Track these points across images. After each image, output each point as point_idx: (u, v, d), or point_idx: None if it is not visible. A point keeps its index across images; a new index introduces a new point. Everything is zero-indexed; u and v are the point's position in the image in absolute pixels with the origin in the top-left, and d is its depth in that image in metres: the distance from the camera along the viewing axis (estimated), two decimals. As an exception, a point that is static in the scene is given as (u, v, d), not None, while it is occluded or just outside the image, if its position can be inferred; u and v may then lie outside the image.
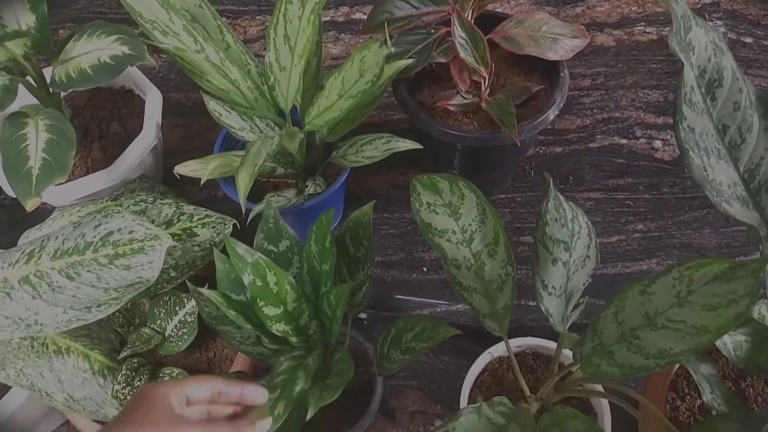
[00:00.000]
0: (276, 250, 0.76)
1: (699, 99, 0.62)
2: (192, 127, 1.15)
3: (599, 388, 0.77)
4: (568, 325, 0.67)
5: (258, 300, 0.64)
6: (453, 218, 0.70)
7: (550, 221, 0.60)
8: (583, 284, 0.65)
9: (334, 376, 0.64)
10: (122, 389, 0.72)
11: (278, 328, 0.67)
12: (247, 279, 0.63)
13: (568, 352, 0.78)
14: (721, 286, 0.53)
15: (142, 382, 0.75)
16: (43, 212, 0.94)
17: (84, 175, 0.89)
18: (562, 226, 0.60)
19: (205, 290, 0.66)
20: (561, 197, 0.61)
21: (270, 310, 0.65)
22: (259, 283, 0.64)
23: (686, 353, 0.56)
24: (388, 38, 0.67)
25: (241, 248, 0.64)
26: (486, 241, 0.68)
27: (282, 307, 0.67)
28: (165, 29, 0.66)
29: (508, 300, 0.65)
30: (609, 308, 0.60)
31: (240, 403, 0.59)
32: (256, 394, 0.59)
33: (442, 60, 0.86)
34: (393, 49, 0.67)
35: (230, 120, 0.87)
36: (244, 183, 0.67)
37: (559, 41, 0.84)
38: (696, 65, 0.61)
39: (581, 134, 1.10)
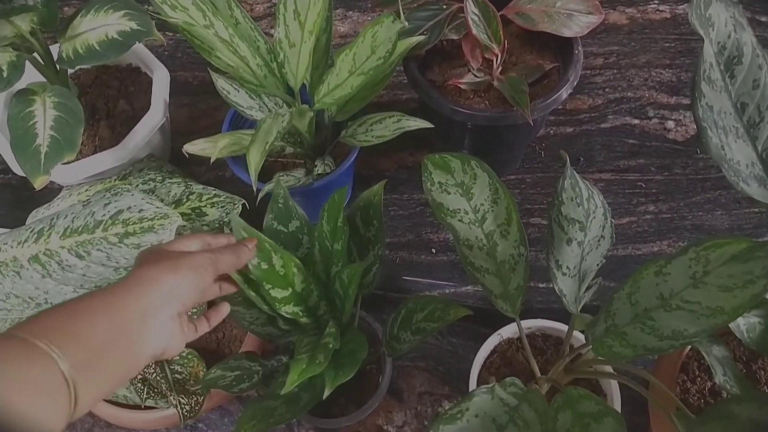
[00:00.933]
0: (286, 230, 0.75)
1: (718, 76, 0.60)
2: (198, 106, 1.14)
3: (609, 369, 0.77)
4: (581, 306, 0.67)
5: (265, 283, 0.63)
6: (465, 198, 0.69)
7: (565, 200, 0.59)
8: (597, 265, 0.64)
9: (347, 356, 0.64)
10: (133, 368, 0.72)
11: (287, 309, 0.66)
12: (252, 261, 0.62)
13: (578, 334, 0.78)
14: (738, 267, 0.53)
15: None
16: (51, 192, 0.94)
17: (92, 154, 0.88)
18: (578, 206, 0.59)
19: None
20: (577, 176, 0.60)
21: (278, 293, 0.65)
22: (264, 266, 0.63)
23: (700, 335, 0.56)
24: (401, 12, 0.65)
25: (246, 230, 0.64)
26: (498, 221, 0.67)
27: (290, 288, 0.67)
28: (174, 3, 0.65)
29: (520, 281, 0.65)
30: (623, 289, 0.59)
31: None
32: (246, 242, 0.61)
33: (454, 37, 0.84)
34: (406, 24, 0.65)
35: (238, 98, 0.86)
36: (255, 161, 0.67)
37: (573, 17, 0.82)
38: (715, 41, 0.60)
39: (593, 114, 1.09)
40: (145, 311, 0.48)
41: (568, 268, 0.61)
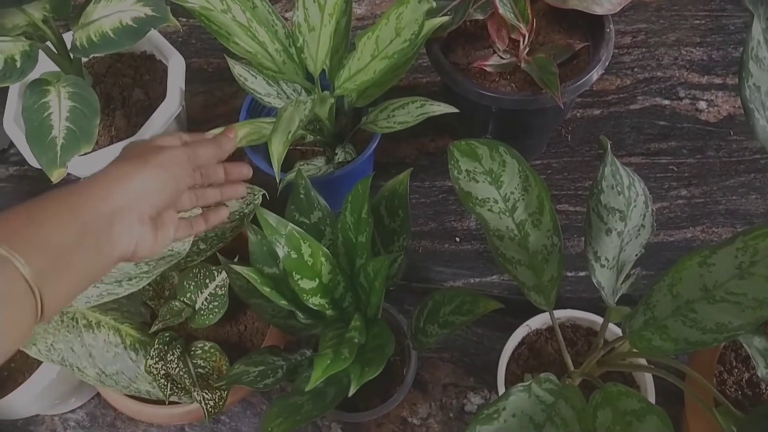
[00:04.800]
0: (308, 222, 0.73)
1: (766, 54, 0.57)
2: (214, 93, 1.12)
3: (644, 362, 0.74)
4: (617, 297, 0.64)
5: (293, 273, 0.61)
6: (494, 186, 0.66)
7: (605, 188, 0.56)
8: (636, 255, 0.61)
9: (374, 351, 0.62)
10: (155, 364, 0.71)
11: (314, 301, 0.64)
12: (281, 251, 0.61)
13: (611, 326, 0.75)
14: (787, 256, 0.50)
15: (175, 356, 0.73)
16: (67, 183, 0.92)
17: (108, 145, 0.87)
18: (618, 194, 0.56)
19: (237, 266, 0.63)
20: (618, 162, 0.57)
21: (306, 284, 0.63)
22: (294, 255, 0.61)
23: (746, 327, 0.53)
24: (428, -8, 0.62)
25: (273, 219, 0.62)
26: (530, 210, 0.64)
27: (317, 279, 0.65)
28: (190, -12, 0.62)
29: (554, 272, 0.62)
30: (663, 280, 0.57)
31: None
32: (224, 140, 0.57)
33: (480, 17, 0.81)
34: (434, 3, 0.62)
35: (256, 85, 0.84)
36: (278, 151, 0.64)
37: (604, -5, 0.78)
38: (764, 17, 0.56)
39: (621, 95, 1.05)
40: (111, 213, 0.44)
41: (606, 259, 0.58)
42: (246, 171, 0.61)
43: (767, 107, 0.57)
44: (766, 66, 0.56)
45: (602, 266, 0.58)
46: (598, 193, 0.56)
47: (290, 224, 0.61)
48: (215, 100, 1.11)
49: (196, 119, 1.09)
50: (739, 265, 0.53)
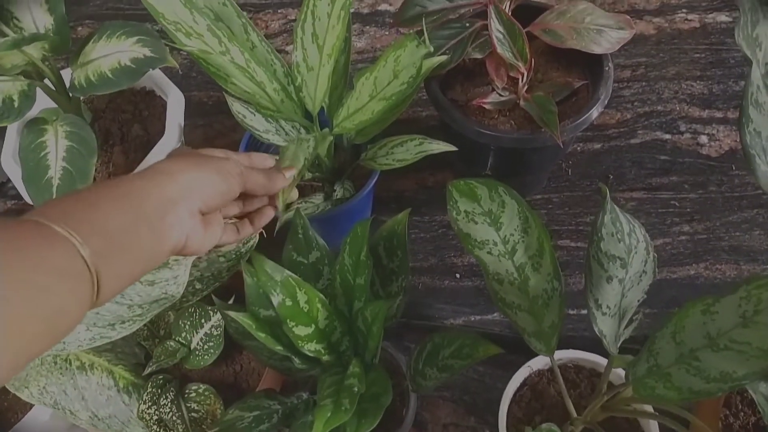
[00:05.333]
0: (306, 261, 0.72)
1: (766, 99, 0.56)
2: (214, 126, 1.12)
3: (649, 408, 0.73)
4: (620, 342, 0.63)
5: (288, 320, 0.60)
6: (493, 228, 0.65)
7: (605, 236, 0.55)
8: (638, 300, 0.60)
9: (370, 401, 0.60)
10: (147, 409, 0.70)
11: (310, 348, 0.63)
12: (276, 299, 0.59)
13: (616, 369, 0.74)
14: (792, 307, 0.49)
15: (168, 399, 0.72)
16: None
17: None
18: (619, 241, 0.55)
19: (232, 312, 0.62)
20: (617, 209, 0.56)
21: (301, 330, 0.62)
22: (289, 302, 0.60)
23: (751, 377, 0.52)
24: (426, 36, 0.62)
25: (269, 265, 0.61)
26: (530, 252, 0.63)
27: (313, 325, 0.64)
28: (188, 30, 0.62)
29: (555, 318, 0.61)
30: (666, 327, 0.55)
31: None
32: (263, 159, 0.61)
33: (478, 56, 0.81)
34: (432, 49, 0.62)
35: (254, 122, 0.83)
36: (282, 195, 0.63)
37: (603, 33, 0.78)
38: (763, 62, 0.56)
39: (621, 129, 1.05)
40: (164, 203, 0.45)
41: (608, 307, 0.57)
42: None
43: (769, 152, 0.56)
44: (766, 111, 0.55)
45: (604, 314, 0.57)
46: (598, 241, 0.55)
47: (286, 271, 0.60)
48: (215, 133, 1.11)
49: (196, 152, 1.08)
50: (742, 314, 0.52)
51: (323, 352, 0.65)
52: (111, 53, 0.72)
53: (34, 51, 0.74)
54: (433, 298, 0.94)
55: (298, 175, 0.63)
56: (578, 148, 1.03)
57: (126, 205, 0.43)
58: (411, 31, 0.82)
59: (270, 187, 0.57)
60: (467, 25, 0.80)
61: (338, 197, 0.86)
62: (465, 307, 0.92)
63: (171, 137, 0.88)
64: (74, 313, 0.38)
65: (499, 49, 0.75)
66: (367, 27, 1.20)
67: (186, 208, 0.46)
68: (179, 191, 0.46)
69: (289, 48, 1.18)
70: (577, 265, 0.94)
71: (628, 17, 0.79)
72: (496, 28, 0.75)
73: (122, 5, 1.29)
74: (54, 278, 0.36)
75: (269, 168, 0.59)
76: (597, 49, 0.77)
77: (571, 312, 0.89)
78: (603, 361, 0.77)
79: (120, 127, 0.94)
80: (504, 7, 0.77)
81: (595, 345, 0.78)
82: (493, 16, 0.74)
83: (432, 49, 0.62)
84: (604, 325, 0.57)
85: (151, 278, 0.66)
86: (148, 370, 0.74)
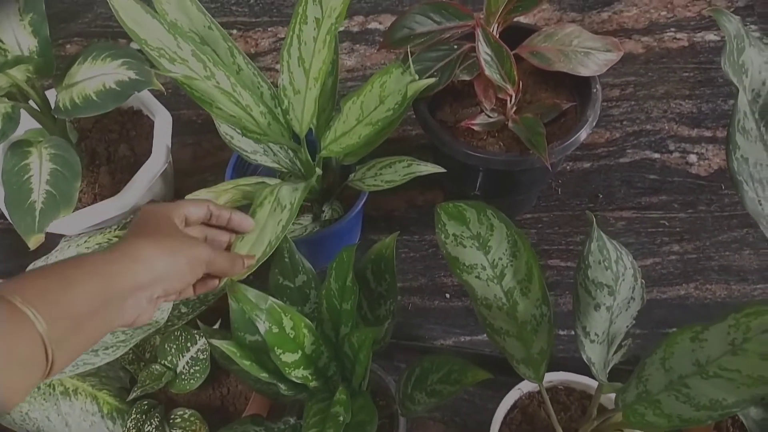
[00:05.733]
0: (292, 285, 0.72)
1: (753, 126, 0.56)
2: (202, 145, 1.11)
3: None
4: (609, 369, 0.62)
5: (275, 348, 0.59)
6: (482, 252, 0.65)
7: (592, 264, 0.55)
8: (627, 327, 0.60)
9: (356, 429, 0.59)
10: (132, 436, 0.69)
11: (296, 374, 0.62)
12: (262, 327, 0.59)
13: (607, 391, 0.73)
14: (781, 335, 0.49)
15: (153, 426, 0.71)
16: (52, 238, 0.90)
17: (92, 203, 0.85)
18: (606, 269, 0.55)
19: (217, 341, 0.61)
20: (604, 237, 0.56)
21: (288, 357, 0.61)
22: (275, 329, 0.59)
23: (740, 405, 0.52)
24: (411, 64, 0.62)
25: (252, 294, 0.60)
26: (518, 277, 0.63)
27: (300, 351, 0.63)
28: (172, 56, 0.62)
29: (544, 344, 0.60)
30: (655, 353, 0.55)
31: (228, 228, 0.64)
32: (243, 219, 0.63)
33: (466, 77, 0.80)
34: (417, 77, 0.62)
35: (242, 143, 0.83)
36: (258, 259, 0.63)
37: (591, 55, 0.78)
38: (749, 89, 0.56)
39: (611, 148, 1.05)
40: (131, 289, 0.48)
41: (596, 334, 0.57)
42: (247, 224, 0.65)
43: (756, 179, 0.56)
44: (753, 137, 0.55)
45: (592, 341, 0.56)
46: (585, 269, 0.55)
47: (270, 298, 0.60)
48: (203, 152, 1.11)
49: (185, 171, 1.08)
50: (732, 341, 0.51)
51: (310, 378, 0.64)
52: (96, 75, 0.72)
53: (19, 73, 0.74)
54: (423, 319, 0.93)
55: (257, 263, 0.63)
56: (567, 167, 1.03)
57: (99, 290, 0.45)
58: (399, 52, 0.82)
59: (228, 273, 0.59)
60: (455, 47, 0.80)
61: (327, 218, 0.86)
62: (455, 328, 0.91)
63: (158, 158, 0.87)
64: (22, 390, 0.40)
65: (487, 72, 0.75)
66: (357, 45, 1.20)
67: (147, 296, 0.49)
68: (148, 280, 0.49)
69: (278, 66, 1.18)
70: (567, 285, 0.93)
71: (616, 40, 0.79)
72: (483, 50, 0.75)
73: (111, 23, 1.29)
74: (10, 361, 0.39)
75: (234, 254, 0.61)
76: (585, 72, 0.77)
77: (561, 333, 0.89)
78: (593, 383, 0.77)
79: (106, 147, 0.93)
80: (491, 30, 0.77)
81: (586, 366, 0.78)
82: (481, 38, 0.74)
83: (417, 77, 0.61)
84: (593, 353, 0.57)
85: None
86: (132, 395, 0.73)
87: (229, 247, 0.64)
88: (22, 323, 0.40)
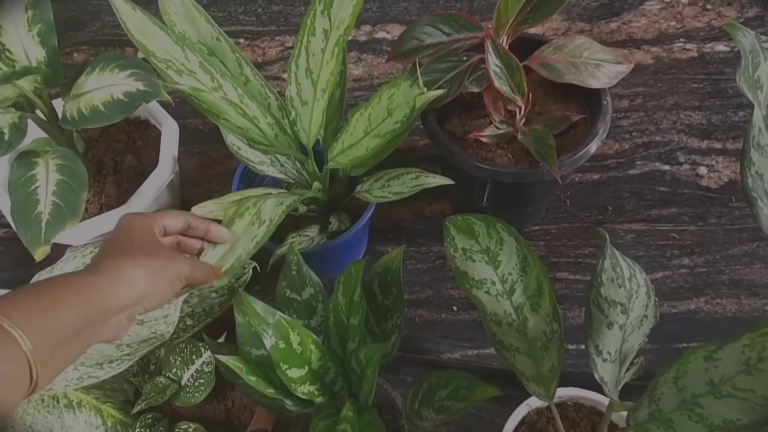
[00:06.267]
0: (299, 298, 0.71)
1: (767, 141, 0.55)
2: (209, 154, 1.11)
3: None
4: (621, 386, 0.61)
5: (281, 363, 0.59)
6: (491, 266, 0.64)
7: (605, 281, 0.54)
8: (639, 344, 0.59)
9: (363, 447, 0.58)
10: (136, 450, 0.68)
11: (303, 390, 0.61)
12: (268, 342, 0.58)
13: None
14: (796, 355, 0.48)
15: (157, 440, 0.70)
16: (57, 248, 0.90)
17: (98, 213, 0.85)
18: (619, 287, 0.54)
19: (222, 356, 0.61)
20: (618, 254, 0.55)
21: (294, 372, 0.60)
22: (282, 345, 0.59)
23: (755, 425, 0.51)
24: (420, 77, 0.61)
25: (260, 307, 0.59)
26: (528, 292, 0.62)
27: (307, 366, 0.62)
28: (180, 68, 0.61)
29: (555, 361, 0.59)
30: (668, 372, 0.54)
31: (204, 239, 0.64)
32: (220, 232, 0.64)
33: (475, 89, 0.80)
34: (425, 90, 0.61)
35: (249, 154, 0.82)
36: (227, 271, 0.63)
37: (601, 67, 0.78)
38: (764, 104, 0.55)
39: (620, 160, 1.04)
40: (112, 309, 0.49)
41: (609, 353, 0.56)
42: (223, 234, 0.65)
43: (771, 195, 0.55)
44: (767, 153, 0.54)
45: (604, 360, 0.55)
46: (598, 286, 0.54)
47: (278, 313, 0.59)
48: (210, 161, 1.10)
49: (192, 180, 1.07)
50: (746, 361, 0.51)
51: (316, 393, 0.64)
52: (104, 86, 0.71)
53: (26, 83, 0.73)
54: (430, 332, 0.92)
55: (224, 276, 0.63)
56: (576, 179, 1.02)
57: (79, 307, 0.46)
58: (407, 62, 0.81)
59: (203, 284, 0.60)
60: (464, 58, 0.79)
61: (333, 229, 0.85)
62: (462, 341, 0.91)
63: (165, 168, 0.87)
64: (8, 407, 0.41)
65: (496, 83, 0.74)
66: (365, 55, 1.20)
67: (128, 315, 0.51)
68: (130, 300, 0.50)
69: (285, 75, 1.18)
70: (575, 298, 0.92)
71: (626, 51, 0.78)
72: (493, 62, 0.74)
73: (119, 31, 1.29)
74: None
75: (209, 265, 0.62)
76: (595, 84, 0.76)
77: (570, 347, 0.88)
78: (604, 399, 0.76)
79: (113, 157, 0.93)
80: (501, 42, 0.77)
81: (596, 381, 0.77)
82: (491, 50, 0.73)
83: (425, 91, 0.61)
84: (605, 372, 0.56)
85: (140, 317, 0.64)
86: (137, 408, 0.73)
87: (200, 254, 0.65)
88: (9, 345, 0.41)
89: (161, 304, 0.54)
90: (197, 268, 0.57)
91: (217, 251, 0.64)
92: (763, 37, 1.15)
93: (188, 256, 0.63)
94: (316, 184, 0.74)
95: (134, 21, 0.60)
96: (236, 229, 0.64)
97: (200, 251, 0.65)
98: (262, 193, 0.76)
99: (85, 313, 0.46)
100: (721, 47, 1.14)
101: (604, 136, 0.79)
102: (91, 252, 0.82)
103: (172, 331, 0.65)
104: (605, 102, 0.80)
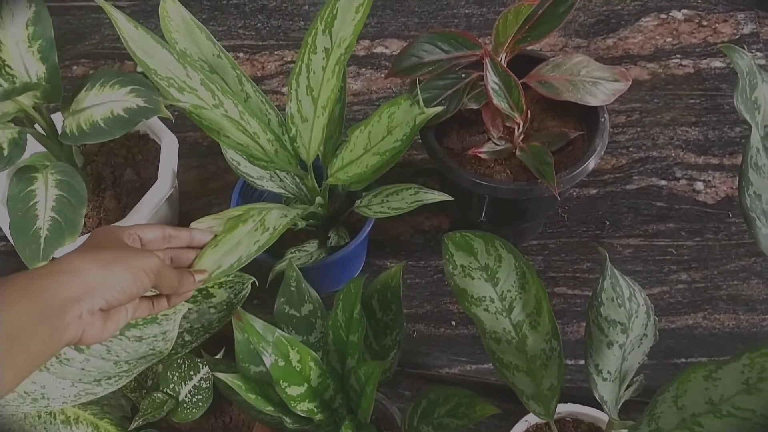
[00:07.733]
0: (298, 315, 0.71)
1: (765, 162, 0.56)
2: (209, 168, 1.11)
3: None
4: (620, 405, 0.61)
5: (281, 381, 0.59)
6: (490, 284, 0.64)
7: (605, 301, 0.54)
8: (639, 363, 0.59)
9: (362, 466, 0.58)
10: (133, 468, 0.67)
11: (302, 407, 0.61)
12: (268, 360, 0.58)
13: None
14: (796, 376, 0.48)
15: (155, 457, 0.70)
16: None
17: (96, 227, 0.85)
18: (619, 306, 0.54)
19: (221, 374, 0.61)
20: (617, 273, 0.55)
21: (293, 390, 0.60)
22: (281, 363, 0.59)
23: (756, 444, 0.51)
24: (420, 97, 0.62)
25: (259, 325, 0.59)
26: (527, 310, 0.62)
27: (306, 384, 0.62)
28: (181, 85, 0.62)
29: (554, 380, 0.59)
30: (668, 391, 0.54)
31: (191, 247, 0.62)
32: (203, 235, 0.62)
33: (474, 106, 0.80)
34: (426, 110, 0.61)
35: (249, 169, 0.83)
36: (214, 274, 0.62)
37: (599, 85, 0.78)
38: (762, 125, 0.56)
39: (617, 175, 1.04)
40: (65, 302, 0.47)
41: (608, 372, 0.56)
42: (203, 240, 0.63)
43: (769, 215, 0.55)
44: (765, 174, 0.55)
45: (604, 380, 0.56)
46: (598, 306, 0.54)
47: (277, 330, 0.59)
48: (209, 174, 1.10)
49: (191, 194, 1.07)
50: (746, 380, 0.51)
51: (316, 411, 0.63)
52: (104, 102, 0.72)
53: (26, 99, 0.74)
54: (429, 346, 0.92)
55: (215, 277, 0.62)
56: (574, 194, 1.03)
57: (33, 304, 0.45)
58: (406, 81, 0.82)
59: (177, 290, 0.58)
60: (463, 75, 0.80)
61: (332, 244, 0.85)
62: (461, 356, 0.90)
63: (164, 182, 0.87)
64: None
65: (495, 100, 0.75)
66: (363, 69, 1.20)
67: (86, 307, 0.48)
68: (83, 291, 0.48)
69: (285, 89, 1.18)
70: (574, 313, 0.93)
71: (624, 69, 0.79)
72: (491, 79, 0.75)
73: (118, 45, 1.29)
74: None
75: (182, 270, 0.60)
76: (593, 102, 0.77)
77: (569, 362, 0.88)
78: (603, 416, 0.75)
79: (112, 171, 0.93)
80: (500, 59, 0.77)
81: (594, 399, 0.77)
82: (489, 67, 0.74)
83: (425, 111, 0.61)
84: (605, 391, 0.56)
85: (139, 334, 0.64)
86: (134, 425, 0.72)
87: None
88: None
89: (129, 298, 0.51)
90: (168, 269, 0.55)
91: (217, 251, 0.63)
92: (758, 54, 1.16)
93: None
94: (318, 199, 0.75)
95: (137, 40, 0.60)
96: (237, 233, 0.64)
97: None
98: (262, 208, 0.76)
99: (34, 307, 0.45)
100: (717, 63, 1.15)
101: (602, 153, 0.79)
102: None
103: (170, 348, 0.65)
104: (603, 119, 0.81)
